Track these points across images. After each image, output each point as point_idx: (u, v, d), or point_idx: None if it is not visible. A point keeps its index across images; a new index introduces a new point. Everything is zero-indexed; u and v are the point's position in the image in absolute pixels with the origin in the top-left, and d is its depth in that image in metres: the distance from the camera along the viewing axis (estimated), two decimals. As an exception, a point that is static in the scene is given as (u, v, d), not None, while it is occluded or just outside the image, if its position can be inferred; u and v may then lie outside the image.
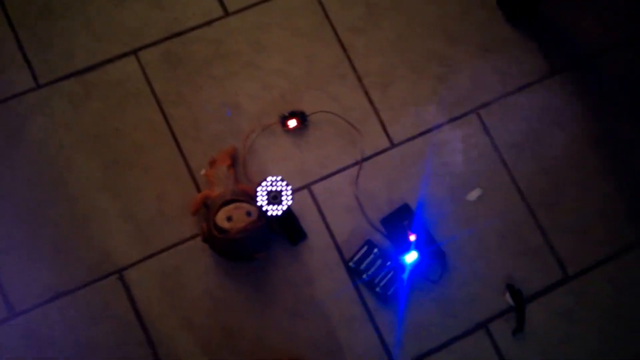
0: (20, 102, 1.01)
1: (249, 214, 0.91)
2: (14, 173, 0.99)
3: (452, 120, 1.08)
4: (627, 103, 1.11)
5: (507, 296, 1.02)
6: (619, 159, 1.09)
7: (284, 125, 1.04)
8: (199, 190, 1.00)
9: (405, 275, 1.00)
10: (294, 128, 1.04)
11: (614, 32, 1.14)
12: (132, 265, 0.98)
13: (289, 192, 0.93)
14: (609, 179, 1.08)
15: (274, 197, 0.93)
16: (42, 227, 0.97)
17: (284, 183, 0.94)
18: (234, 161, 1.02)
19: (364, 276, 1.00)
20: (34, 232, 0.97)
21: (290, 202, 0.93)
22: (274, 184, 0.94)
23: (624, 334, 1.02)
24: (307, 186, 1.04)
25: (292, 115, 1.04)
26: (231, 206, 0.92)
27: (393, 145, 1.07)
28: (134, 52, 1.06)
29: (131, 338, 0.95)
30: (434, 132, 1.08)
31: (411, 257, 1.00)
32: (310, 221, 1.03)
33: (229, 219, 0.90)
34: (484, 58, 1.10)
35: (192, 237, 1.00)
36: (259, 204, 0.92)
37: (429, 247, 1.02)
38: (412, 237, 1.01)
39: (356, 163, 1.05)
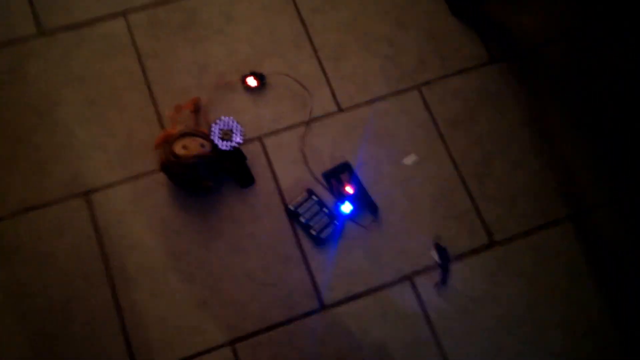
0: (24, 45, 1.21)
1: (202, 145, 1.07)
2: (8, 101, 1.16)
3: (396, 93, 1.24)
4: (557, 91, 1.25)
5: (433, 252, 1.13)
6: (547, 140, 1.22)
7: (244, 82, 1.21)
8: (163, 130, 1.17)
9: (341, 222, 1.13)
10: (253, 87, 1.21)
11: (549, 28, 1.30)
12: (99, 189, 1.12)
13: (240, 132, 1.09)
14: (537, 157, 1.21)
15: (226, 134, 1.09)
16: (24, 147, 1.14)
17: (237, 124, 1.10)
18: (197, 109, 1.19)
19: (302, 219, 1.13)
20: (14, 150, 1.14)
21: (240, 141, 1.08)
22: (227, 123, 1.10)
23: (541, 300, 1.11)
24: (260, 138, 1.19)
25: (252, 74, 1.21)
26: (188, 138, 1.08)
27: (340, 110, 1.22)
28: (123, 13, 1.25)
29: (88, 251, 1.09)
30: (378, 102, 1.23)
31: (346, 207, 1.14)
32: (259, 169, 1.17)
33: (185, 147, 1.06)
34: (429, 43, 1.27)
35: (153, 172, 1.15)
36: (212, 137, 1.08)
37: (364, 200, 1.15)
38: (349, 189, 1.15)
39: (306, 122, 1.21)
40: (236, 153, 1.10)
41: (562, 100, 1.23)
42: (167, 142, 1.09)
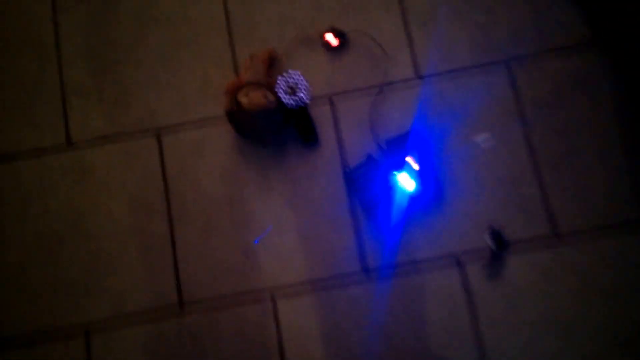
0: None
1: (265, 97, 1.11)
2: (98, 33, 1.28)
3: (482, 65, 1.19)
4: None
5: (487, 236, 1.11)
6: (638, 138, 1.12)
7: (323, 38, 1.22)
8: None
9: (400, 197, 1.14)
10: (333, 44, 1.22)
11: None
12: (170, 127, 1.20)
13: (306, 88, 1.11)
14: (626, 154, 1.12)
15: (291, 89, 1.12)
16: (107, 79, 1.24)
17: (303, 79, 1.12)
18: (272, 60, 1.22)
19: (357, 184, 1.16)
20: (99, 82, 1.26)
21: (303, 97, 1.11)
22: (294, 77, 1.13)
23: (594, 305, 1.05)
24: (329, 96, 1.21)
25: (332, 30, 1.22)
26: (253, 87, 1.13)
27: (419, 77, 1.20)
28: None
29: (153, 187, 1.19)
30: (460, 73, 1.19)
31: (409, 182, 1.13)
32: (324, 128, 1.19)
33: (247, 96, 1.11)
34: (529, 14, 1.19)
35: (222, 117, 1.22)
36: (275, 89, 1.12)
37: (427, 173, 1.14)
38: (411, 161, 1.14)
39: (379, 85, 1.21)
40: (302, 112, 1.13)
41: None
42: (235, 89, 1.15)
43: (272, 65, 1.19)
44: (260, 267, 1.11)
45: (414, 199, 1.10)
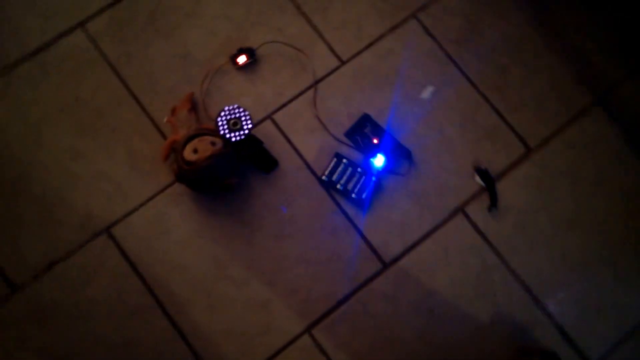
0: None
1: (213, 143, 1.04)
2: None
3: (394, 28, 1.22)
4: None
5: (477, 178, 1.15)
6: (553, 34, 1.22)
7: (235, 63, 1.18)
8: (165, 139, 1.14)
9: (377, 177, 1.13)
10: (245, 64, 1.17)
11: None
12: (118, 222, 1.09)
13: (248, 117, 1.06)
14: (551, 53, 1.21)
15: (234, 124, 1.07)
16: (24, 202, 1.09)
17: (241, 109, 1.07)
18: (194, 105, 1.15)
19: (338, 186, 1.13)
20: (16, 208, 1.10)
21: (250, 126, 1.05)
22: (232, 111, 1.07)
23: (589, 195, 1.13)
24: (269, 116, 1.17)
25: (240, 52, 1.18)
26: (195, 140, 1.05)
27: (342, 62, 1.20)
28: (81, 24, 1.19)
29: (130, 287, 1.08)
30: (378, 43, 1.21)
31: (379, 160, 1.14)
32: (278, 148, 1.15)
33: (195, 151, 1.04)
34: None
35: (169, 185, 1.12)
36: (221, 132, 1.06)
37: (394, 148, 1.15)
38: (376, 141, 1.15)
39: (311, 86, 1.19)
40: (250, 140, 1.08)
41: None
42: (174, 150, 1.07)
43: (195, 109, 1.13)
44: (285, 312, 1.06)
45: (388, 170, 1.11)
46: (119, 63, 1.14)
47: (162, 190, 1.09)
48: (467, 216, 1.10)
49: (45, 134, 1.10)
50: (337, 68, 1.16)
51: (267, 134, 1.12)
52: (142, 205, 1.08)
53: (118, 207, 1.08)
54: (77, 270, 1.05)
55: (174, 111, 1.10)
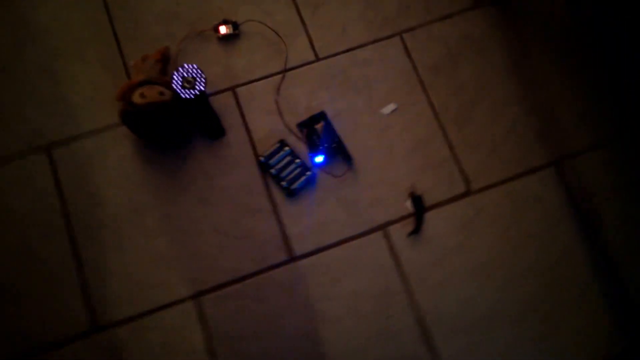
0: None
1: (161, 94, 1.10)
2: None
3: (377, 40, 1.26)
4: (542, 35, 1.24)
5: (409, 202, 1.16)
6: (530, 87, 1.23)
7: (217, 32, 1.24)
8: (129, 81, 1.20)
9: (313, 173, 1.16)
10: (225, 35, 1.24)
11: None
12: (61, 143, 1.14)
13: (203, 80, 1.12)
14: (520, 103, 1.22)
15: (188, 82, 1.12)
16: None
17: (200, 71, 1.13)
18: (165, 59, 1.22)
19: (272, 170, 1.16)
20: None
21: (202, 89, 1.10)
22: (190, 70, 1.13)
23: (515, 249, 1.11)
24: (232, 88, 1.22)
25: (224, 22, 1.24)
26: (146, 86, 1.11)
27: (318, 59, 1.24)
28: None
29: (48, 207, 1.13)
30: (357, 50, 1.25)
31: (319, 158, 1.17)
32: (230, 121, 1.20)
33: (142, 96, 1.10)
34: (413, -14, 1.28)
35: (118, 125, 1.19)
36: (173, 85, 1.12)
37: (338, 150, 1.18)
38: (319, 159, 1.17)
39: (281, 72, 1.24)
40: (201, 102, 1.14)
41: (546, 46, 1.23)
42: (128, 92, 1.13)
43: (166, 64, 1.19)
44: (182, 273, 1.08)
45: (325, 169, 1.13)
46: (114, 4, 1.22)
47: (110, 127, 1.15)
48: (387, 236, 1.10)
49: (26, 48, 1.19)
50: (311, 62, 1.20)
51: (225, 104, 1.17)
52: (88, 135, 1.14)
53: (66, 130, 1.15)
54: (7, 177, 1.11)
55: (144, 57, 1.16)
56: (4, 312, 1.03)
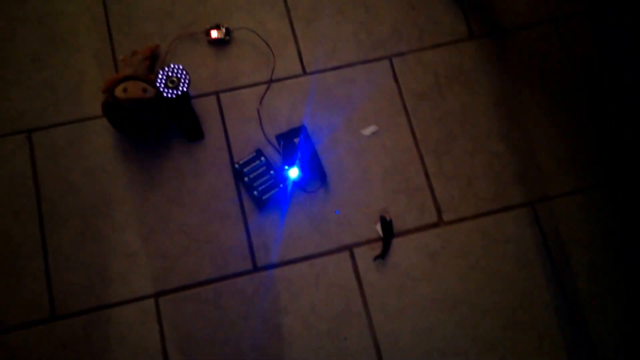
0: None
1: (144, 90, 1.12)
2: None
3: (366, 61, 1.27)
4: (533, 76, 1.26)
5: (378, 226, 1.16)
6: (514, 124, 1.24)
7: (208, 35, 1.26)
8: (116, 74, 1.22)
9: (286, 186, 1.17)
10: (216, 39, 1.26)
11: (536, 10, 1.33)
12: (43, 128, 1.16)
13: (187, 81, 1.13)
14: (502, 140, 1.23)
15: (172, 82, 1.14)
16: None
17: (185, 73, 1.14)
18: (154, 56, 1.24)
19: (246, 179, 1.17)
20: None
21: (184, 89, 1.12)
22: (175, 70, 1.15)
23: (479, 286, 1.11)
24: (216, 93, 1.24)
25: (216, 27, 1.26)
26: (130, 82, 1.13)
27: (305, 73, 1.26)
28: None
29: (22, 189, 1.14)
30: (345, 69, 1.27)
31: (294, 171, 1.18)
32: (210, 124, 1.21)
33: (125, 90, 1.11)
34: (408, 13, 1.30)
35: (100, 116, 1.21)
36: (157, 84, 1.14)
37: (313, 166, 1.19)
38: (293, 172, 1.18)
39: (266, 82, 1.26)
40: (182, 102, 1.15)
41: (536, 86, 1.25)
42: (114, 84, 1.15)
43: (155, 62, 1.21)
44: (144, 271, 1.09)
45: (298, 184, 1.13)
46: (111, -3, 1.24)
47: (92, 118, 1.17)
48: (352, 257, 1.11)
49: (19, 32, 1.21)
50: (297, 76, 1.22)
51: (207, 107, 1.19)
52: (69, 123, 1.16)
53: (48, 116, 1.17)
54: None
55: (133, 53, 1.18)
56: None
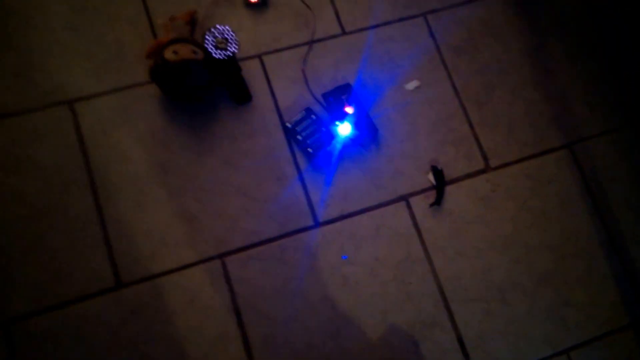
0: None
1: (194, 52, 1.13)
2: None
3: (402, 19, 1.32)
4: (559, 24, 1.33)
5: (430, 175, 1.22)
6: (547, 72, 1.31)
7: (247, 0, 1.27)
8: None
9: (339, 142, 1.21)
10: (255, 2, 1.28)
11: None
12: (84, 98, 1.14)
13: (236, 42, 1.15)
14: (536, 88, 1.30)
15: (220, 42, 1.15)
16: (6, 51, 1.16)
17: (232, 33, 1.16)
18: (193, 22, 1.25)
19: (299, 137, 1.21)
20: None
21: (234, 50, 1.13)
22: (222, 31, 1.16)
23: (530, 225, 1.19)
24: (259, 55, 1.25)
25: (255, -10, 1.27)
26: (179, 44, 1.13)
27: (344, 32, 1.29)
28: None
29: (71, 161, 1.14)
30: (383, 27, 1.31)
31: (345, 127, 1.21)
32: (257, 87, 1.23)
33: (175, 53, 1.12)
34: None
35: (144, 83, 1.20)
36: (205, 44, 1.15)
37: (364, 123, 1.23)
38: (349, 110, 1.22)
39: (307, 43, 1.29)
40: (231, 64, 1.17)
41: (563, 34, 1.32)
42: (158, 50, 1.16)
43: (193, 26, 1.22)
44: (206, 233, 1.11)
45: (352, 141, 1.17)
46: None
47: (135, 86, 1.16)
48: (409, 206, 1.16)
49: (53, 4, 1.19)
50: (337, 36, 1.25)
51: (252, 71, 1.20)
52: (112, 92, 1.16)
53: (90, 86, 1.15)
54: (29, 128, 1.11)
55: (172, 18, 1.19)
56: (29, 264, 1.04)
